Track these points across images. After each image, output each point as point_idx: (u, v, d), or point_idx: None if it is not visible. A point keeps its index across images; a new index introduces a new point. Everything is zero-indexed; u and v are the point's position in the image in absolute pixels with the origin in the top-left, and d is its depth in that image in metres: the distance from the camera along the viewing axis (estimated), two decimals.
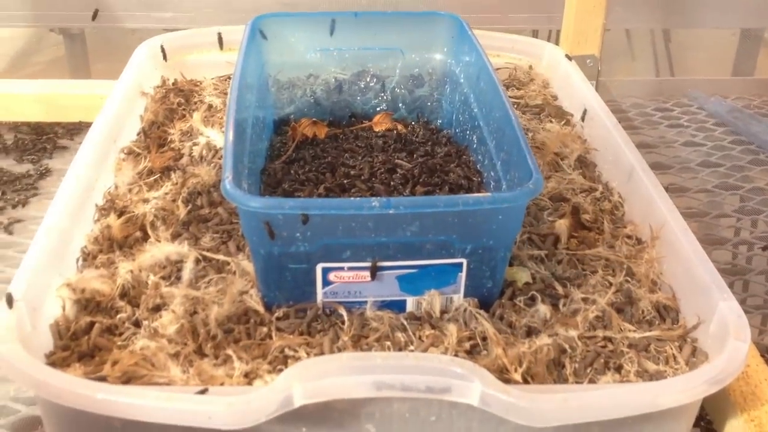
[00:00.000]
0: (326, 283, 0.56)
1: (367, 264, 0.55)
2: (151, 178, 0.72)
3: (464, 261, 0.56)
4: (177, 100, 0.87)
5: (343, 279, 0.56)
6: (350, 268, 0.55)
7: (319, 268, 0.55)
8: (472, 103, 0.75)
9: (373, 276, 0.55)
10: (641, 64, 1.89)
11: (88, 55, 1.64)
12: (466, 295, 0.57)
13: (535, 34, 1.90)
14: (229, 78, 0.95)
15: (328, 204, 0.53)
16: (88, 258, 0.62)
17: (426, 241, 0.55)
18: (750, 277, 0.79)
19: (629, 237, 0.66)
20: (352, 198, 0.53)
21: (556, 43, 1.05)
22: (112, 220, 0.66)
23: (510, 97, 0.90)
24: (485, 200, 0.53)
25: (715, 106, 1.10)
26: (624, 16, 1.38)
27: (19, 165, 0.95)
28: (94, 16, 1.17)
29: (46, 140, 0.99)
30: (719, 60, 1.76)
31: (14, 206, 0.87)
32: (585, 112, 0.82)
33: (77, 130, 1.02)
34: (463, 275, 0.57)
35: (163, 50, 0.94)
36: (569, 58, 0.91)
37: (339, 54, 0.85)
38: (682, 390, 0.48)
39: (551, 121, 0.85)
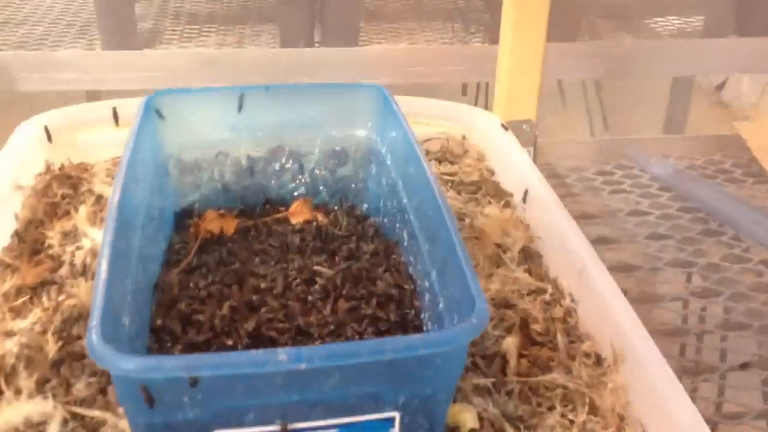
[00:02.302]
0: None
1: (276, 428, 0.44)
2: (20, 300, 0.60)
3: (397, 414, 0.46)
4: (61, 191, 0.75)
5: None
6: None
7: None
8: (401, 191, 0.65)
9: None
10: (573, 112, 1.84)
11: None
12: None
13: (464, 89, 1.84)
14: None
15: (222, 362, 0.42)
16: None
17: (349, 395, 0.44)
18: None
19: (587, 355, 0.56)
20: (251, 352, 0.43)
21: (486, 95, 0.97)
22: None
23: (443, 173, 0.82)
24: (419, 344, 0.43)
25: (657, 168, 1.03)
26: (556, 68, 1.32)
27: None
28: None
29: None
30: (650, 107, 1.72)
31: None
32: (526, 192, 0.74)
33: None
34: (395, 431, 0.46)
35: (46, 130, 0.81)
36: (505, 127, 0.83)
37: (249, 134, 0.74)
38: None
39: (490, 202, 0.76)
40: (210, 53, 1.34)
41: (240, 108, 0.74)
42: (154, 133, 0.70)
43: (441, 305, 0.53)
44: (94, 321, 0.42)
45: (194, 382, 0.41)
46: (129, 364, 0.40)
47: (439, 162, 0.84)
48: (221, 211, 0.71)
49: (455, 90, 1.95)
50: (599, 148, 1.11)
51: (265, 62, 1.31)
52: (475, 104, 1.95)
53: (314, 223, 0.71)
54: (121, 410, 0.50)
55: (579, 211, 0.94)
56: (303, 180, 0.77)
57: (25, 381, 0.52)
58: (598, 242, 0.87)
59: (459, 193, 0.78)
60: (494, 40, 0.98)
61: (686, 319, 0.77)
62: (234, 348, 0.54)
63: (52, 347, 0.54)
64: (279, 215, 0.73)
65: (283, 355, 0.41)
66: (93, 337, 0.41)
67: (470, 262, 0.49)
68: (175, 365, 0.41)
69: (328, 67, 1.32)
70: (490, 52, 0.96)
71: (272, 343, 0.54)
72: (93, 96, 1.71)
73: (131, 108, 0.87)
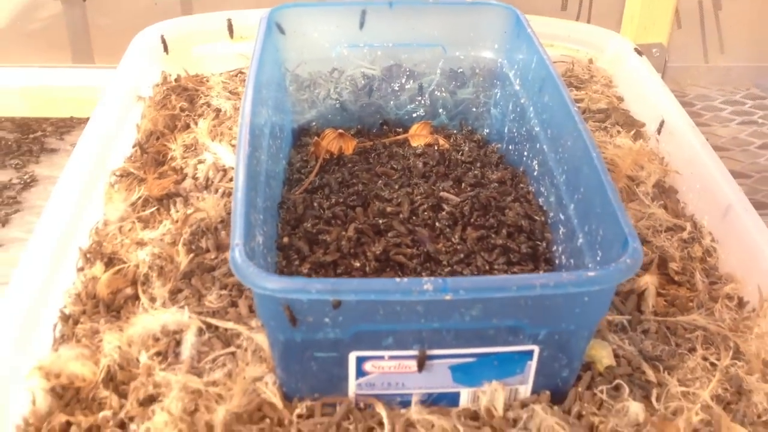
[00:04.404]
0: (361, 373, 0.45)
1: (414, 352, 0.44)
2: (147, 211, 0.60)
3: (536, 348, 0.44)
4: (180, 103, 0.74)
5: (383, 369, 0.44)
6: (392, 357, 0.44)
7: (352, 356, 0.44)
8: (532, 119, 0.62)
9: (421, 367, 0.44)
10: (687, 33, 1.73)
11: (89, 25, 1.50)
12: (535, 386, 0.46)
13: (564, 5, 1.74)
14: (241, 72, 0.83)
15: (366, 287, 0.41)
16: (68, 322, 0.51)
17: (489, 327, 0.43)
18: None
19: (730, 297, 0.53)
20: (396, 279, 0.41)
21: (589, 15, 0.91)
22: (98, 270, 0.54)
23: None
24: (569, 282, 0.41)
25: None
26: None
27: (1, 171, 0.83)
28: None
29: (32, 140, 0.87)
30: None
31: None
32: (662, 123, 0.69)
33: (68, 127, 0.90)
34: (533, 364, 0.45)
35: (163, 41, 0.81)
36: (640, 52, 0.78)
37: (370, 51, 0.72)
38: None
39: (619, 131, 0.72)
40: None
41: (362, 25, 0.71)
42: (275, 49, 0.69)
43: (580, 240, 0.50)
44: (237, 239, 0.42)
45: (337, 305, 0.41)
46: (275, 284, 0.40)
47: None
48: (339, 131, 0.70)
49: (554, 4, 1.85)
50: (728, 75, 1.04)
51: None
52: (577, 19, 1.84)
53: (436, 147, 0.69)
54: (254, 323, 0.50)
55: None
56: (422, 101, 0.74)
57: (159, 290, 0.53)
58: None
59: (586, 121, 0.74)
60: None
61: None
62: (362, 270, 0.53)
63: (183, 259, 0.55)
64: (399, 137, 0.71)
65: (428, 284, 0.40)
66: (237, 256, 0.41)
67: (619, 199, 0.46)
68: (321, 288, 0.40)
69: None
70: None
71: (401, 268, 0.53)
72: (186, 4, 1.69)
73: (245, 20, 0.86)
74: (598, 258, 0.47)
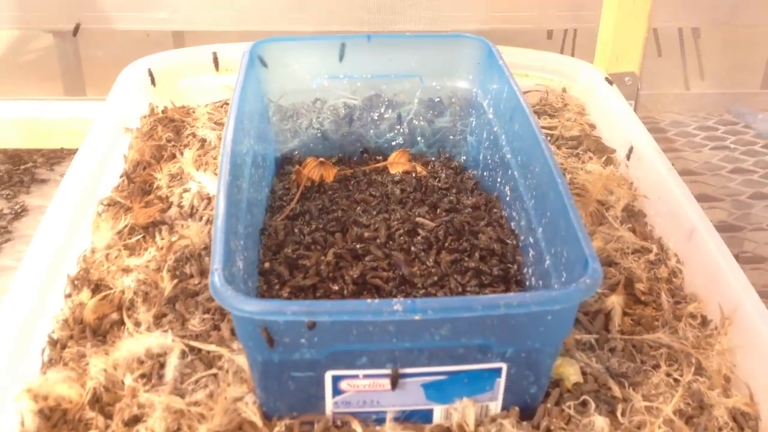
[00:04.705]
0: (337, 392, 0.46)
1: (387, 371, 0.46)
2: (133, 239, 0.62)
3: (504, 365, 0.46)
4: (166, 134, 0.77)
5: (358, 388, 0.46)
6: (366, 376, 0.46)
7: (328, 375, 0.46)
8: (504, 146, 0.65)
9: (394, 385, 0.46)
10: (668, 61, 1.77)
11: (81, 58, 1.53)
12: (505, 402, 0.48)
13: (549, 34, 1.79)
14: (226, 104, 0.85)
15: (340, 308, 0.43)
16: (55, 347, 0.53)
17: (458, 345, 0.45)
18: None
19: (693, 316, 0.56)
20: (368, 300, 0.44)
21: (573, 44, 0.94)
22: (85, 296, 0.56)
23: (542, 127, 0.80)
24: (532, 301, 0.43)
25: (763, 124, 0.99)
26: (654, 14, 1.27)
27: None
28: (75, 31, 1.06)
29: (23, 171, 0.89)
30: (750, 58, 1.65)
31: None
32: (631, 150, 0.72)
33: (58, 158, 0.92)
34: (501, 381, 0.47)
35: (150, 74, 0.83)
36: (610, 81, 0.81)
37: (350, 82, 0.75)
38: None
39: (591, 158, 0.74)
40: None
41: (341, 57, 0.74)
42: (258, 81, 0.71)
43: (547, 262, 0.53)
44: (217, 264, 0.44)
45: (312, 326, 0.43)
46: (252, 307, 0.42)
47: (538, 116, 0.83)
48: (321, 159, 0.72)
49: (540, 35, 1.90)
50: (701, 102, 1.07)
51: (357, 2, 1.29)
52: (562, 50, 1.89)
53: (413, 174, 0.71)
54: (235, 346, 0.52)
55: (679, 167, 0.91)
56: (401, 130, 0.77)
57: (144, 315, 0.54)
58: (699, 200, 0.85)
59: (559, 147, 0.76)
60: None
61: None
62: (340, 293, 0.55)
63: (167, 284, 0.57)
64: (378, 164, 0.73)
65: (398, 305, 0.42)
66: (216, 280, 0.43)
67: (582, 222, 0.48)
68: (295, 309, 0.42)
69: (418, 7, 1.30)
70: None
71: (377, 290, 0.56)
72: (178, 37, 1.73)
73: (230, 53, 0.89)
74: (563, 279, 0.49)
